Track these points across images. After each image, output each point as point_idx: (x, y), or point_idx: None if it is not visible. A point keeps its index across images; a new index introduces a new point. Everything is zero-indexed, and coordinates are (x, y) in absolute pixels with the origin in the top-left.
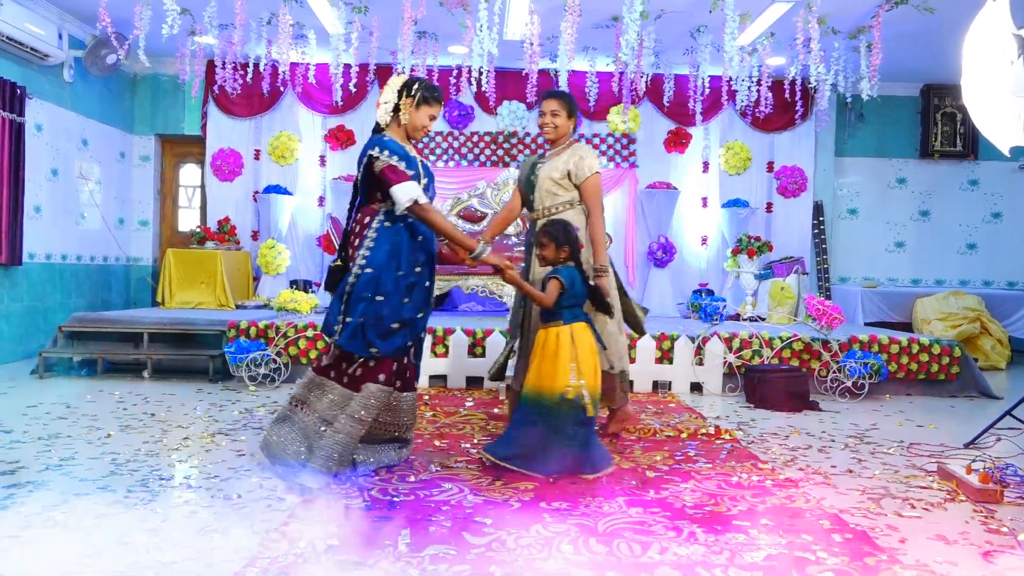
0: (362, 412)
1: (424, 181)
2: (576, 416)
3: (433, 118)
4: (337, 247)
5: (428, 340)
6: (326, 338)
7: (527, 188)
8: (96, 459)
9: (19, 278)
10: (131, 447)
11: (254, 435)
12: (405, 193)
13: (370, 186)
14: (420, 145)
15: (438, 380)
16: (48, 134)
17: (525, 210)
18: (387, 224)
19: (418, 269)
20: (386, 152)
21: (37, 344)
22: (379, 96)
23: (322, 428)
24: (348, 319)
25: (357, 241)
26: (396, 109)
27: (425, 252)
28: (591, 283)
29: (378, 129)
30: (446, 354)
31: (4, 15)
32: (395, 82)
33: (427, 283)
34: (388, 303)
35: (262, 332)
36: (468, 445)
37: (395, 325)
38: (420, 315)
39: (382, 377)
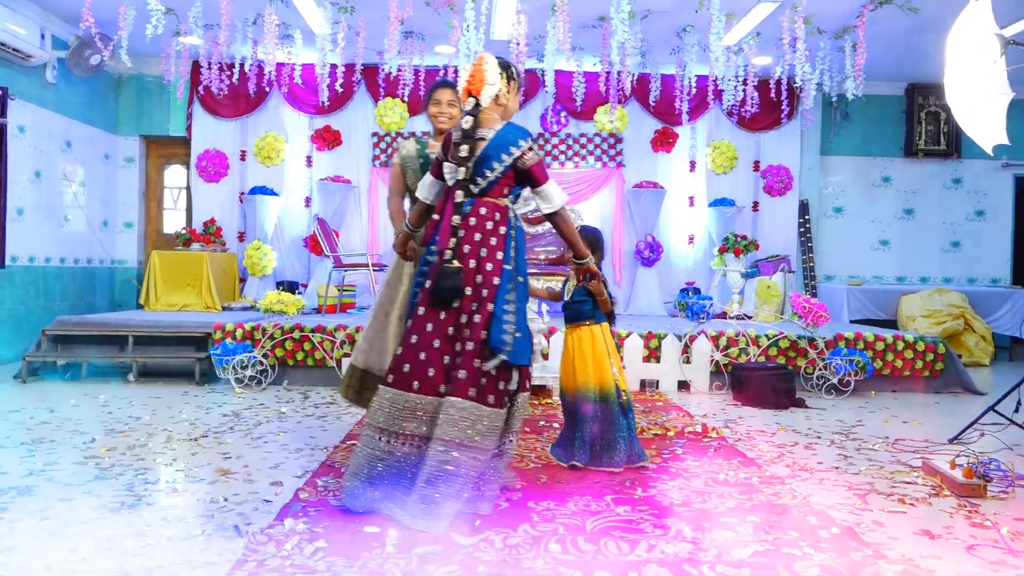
0: (518, 424)
1: None
2: (623, 407)
3: None
4: (450, 245)
5: None
6: (498, 356)
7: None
8: (81, 464)
9: (2, 282)
10: (116, 451)
11: (240, 438)
12: (560, 193)
13: (502, 179)
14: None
15: None
16: (31, 135)
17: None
18: (518, 225)
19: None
20: (536, 145)
21: (20, 348)
22: (477, 76)
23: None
24: (519, 333)
25: (494, 240)
26: (497, 92)
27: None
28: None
29: (477, 111)
30: None
31: None
32: (492, 62)
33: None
34: (524, 308)
35: (248, 334)
36: None
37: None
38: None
39: (528, 383)
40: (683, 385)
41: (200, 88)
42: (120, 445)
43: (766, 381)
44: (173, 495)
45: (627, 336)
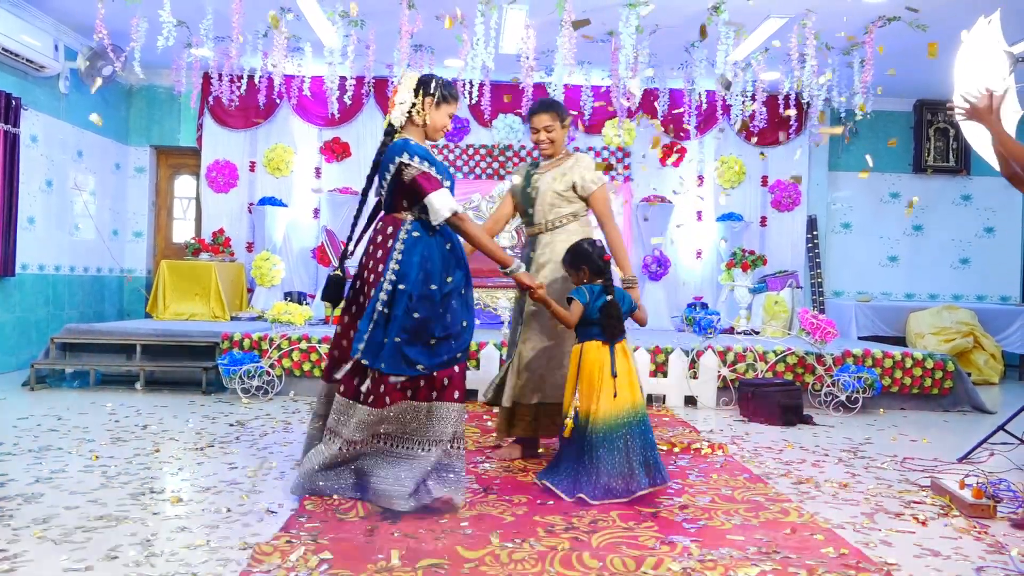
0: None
1: (447, 184)
2: (647, 424)
3: (451, 117)
4: (338, 257)
5: None
6: (364, 363)
7: (525, 201)
8: (87, 472)
9: (11, 289)
10: (122, 459)
11: (246, 448)
12: (444, 203)
13: (395, 194)
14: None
15: None
16: (43, 145)
17: (523, 224)
18: (415, 235)
19: (450, 279)
20: (416, 158)
21: (29, 356)
22: (393, 96)
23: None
24: (386, 339)
25: (380, 253)
26: (411, 109)
27: (456, 259)
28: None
29: (391, 132)
30: None
31: (0, 26)
32: (409, 80)
33: (463, 291)
34: (424, 318)
35: (256, 344)
36: None
37: (436, 339)
38: (464, 324)
39: (457, 395)
40: (690, 400)
41: (210, 99)
42: (127, 453)
43: (773, 397)
44: (178, 504)
45: (634, 350)
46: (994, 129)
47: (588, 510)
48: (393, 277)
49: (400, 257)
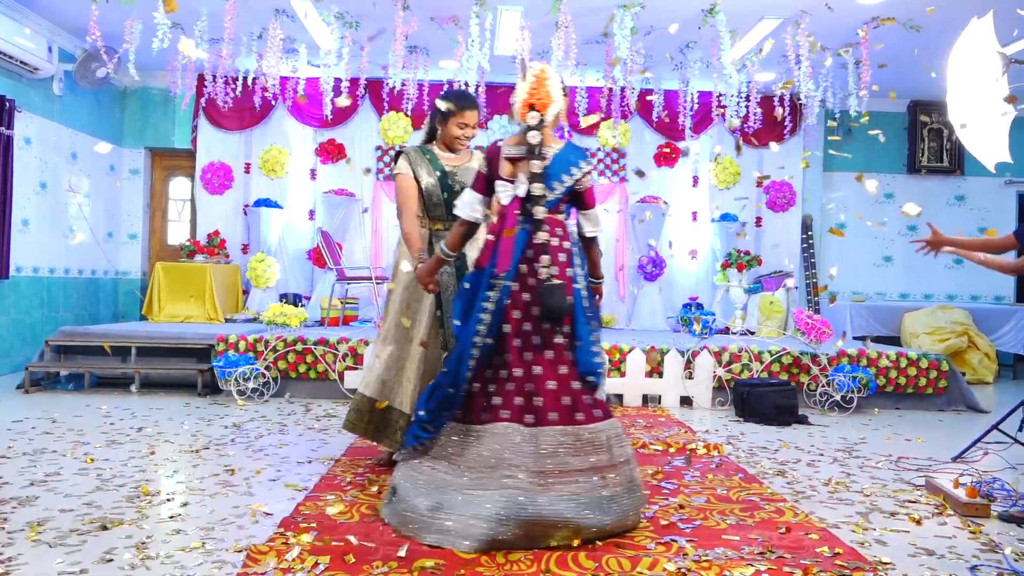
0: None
1: None
2: None
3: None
4: (545, 263)
5: None
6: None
7: (447, 194)
8: (82, 474)
9: (6, 292)
10: (118, 462)
11: (242, 450)
12: (604, 218)
13: (562, 199)
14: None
15: None
16: (37, 147)
17: (432, 217)
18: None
19: None
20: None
21: (23, 358)
22: (542, 91)
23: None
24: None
25: (562, 256)
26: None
27: None
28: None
29: (539, 128)
30: None
31: None
32: (555, 79)
33: None
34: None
35: (251, 346)
36: None
37: None
38: None
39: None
40: (685, 401)
41: (204, 101)
42: (122, 456)
43: (768, 397)
44: (173, 507)
45: (629, 351)
46: (973, 259)
47: None
48: (584, 282)
49: (579, 261)
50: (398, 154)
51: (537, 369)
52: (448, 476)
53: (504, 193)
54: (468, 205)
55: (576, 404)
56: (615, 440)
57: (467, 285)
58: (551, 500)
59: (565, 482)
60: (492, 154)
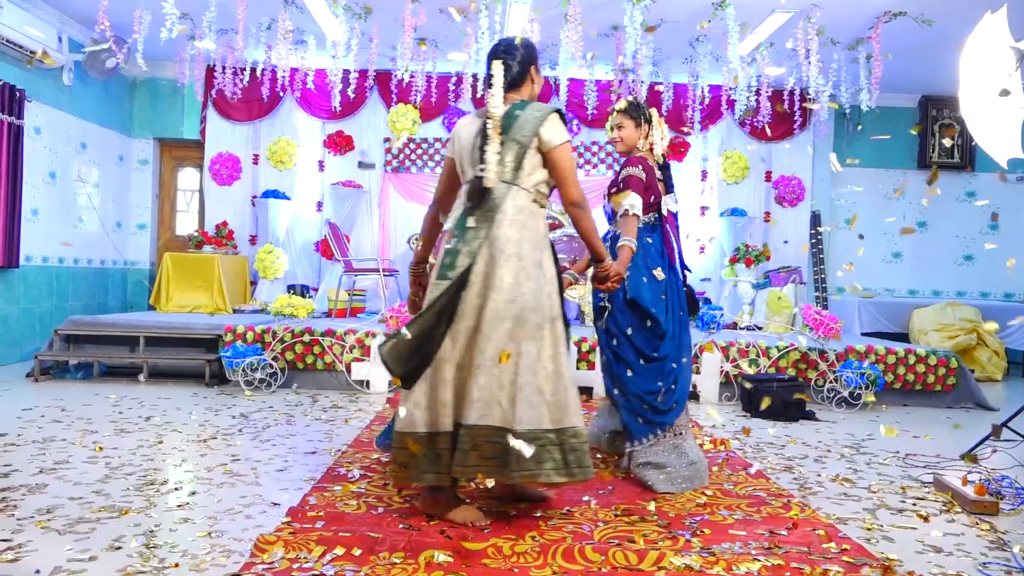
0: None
1: None
2: None
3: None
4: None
5: None
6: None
7: None
8: (90, 463)
9: (16, 281)
10: (126, 450)
11: (249, 440)
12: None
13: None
14: (419, 152)
15: None
16: (47, 137)
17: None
18: None
19: None
20: None
21: (33, 347)
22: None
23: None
24: None
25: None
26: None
27: None
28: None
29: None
30: None
31: (3, 18)
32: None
33: None
34: None
35: (259, 337)
36: None
37: None
38: None
39: None
40: (692, 396)
41: (214, 92)
42: (130, 444)
43: (776, 393)
44: (182, 495)
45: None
46: None
47: (591, 504)
48: None
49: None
50: (560, 113)
51: None
52: None
53: (672, 205)
54: (637, 206)
55: None
56: None
57: (661, 276)
58: None
59: None
60: (650, 171)
